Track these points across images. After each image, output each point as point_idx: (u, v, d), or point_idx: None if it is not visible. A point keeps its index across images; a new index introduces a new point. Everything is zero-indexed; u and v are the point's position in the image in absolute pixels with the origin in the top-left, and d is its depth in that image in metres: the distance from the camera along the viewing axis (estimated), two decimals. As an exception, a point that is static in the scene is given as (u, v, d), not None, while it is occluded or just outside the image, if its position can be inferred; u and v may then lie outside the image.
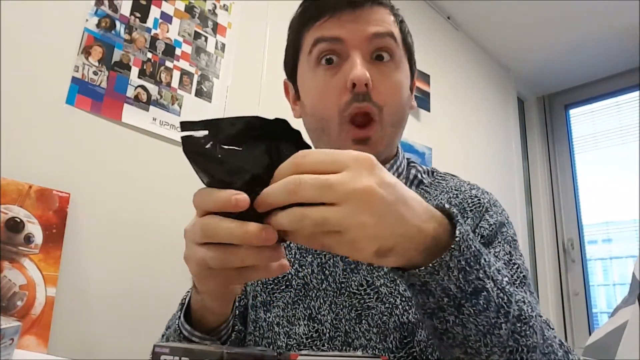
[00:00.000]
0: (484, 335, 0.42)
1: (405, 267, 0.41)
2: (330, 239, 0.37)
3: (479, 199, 0.71)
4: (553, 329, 0.54)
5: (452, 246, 0.40)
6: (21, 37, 1.12)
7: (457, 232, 0.41)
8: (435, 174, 0.78)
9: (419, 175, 0.76)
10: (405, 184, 0.67)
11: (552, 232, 3.16)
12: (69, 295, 1.09)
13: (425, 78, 2.36)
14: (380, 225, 0.37)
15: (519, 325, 0.44)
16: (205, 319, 0.52)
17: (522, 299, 0.46)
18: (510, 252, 0.65)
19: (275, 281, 0.69)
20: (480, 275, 0.42)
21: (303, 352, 0.37)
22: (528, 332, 0.45)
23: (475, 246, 0.42)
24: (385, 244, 0.38)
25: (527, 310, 0.46)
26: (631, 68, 3.01)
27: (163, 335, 0.61)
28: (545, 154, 3.35)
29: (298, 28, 0.71)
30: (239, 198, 0.37)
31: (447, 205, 0.43)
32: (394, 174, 0.71)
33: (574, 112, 3.37)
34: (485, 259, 0.43)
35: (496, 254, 0.64)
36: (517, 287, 0.60)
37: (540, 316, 0.51)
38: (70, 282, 1.09)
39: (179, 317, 0.54)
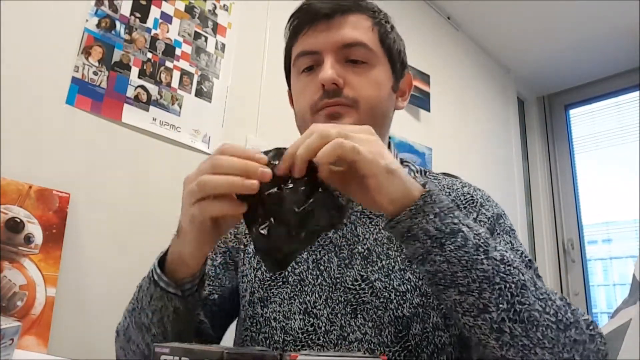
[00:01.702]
0: (469, 271, 0.49)
1: (392, 215, 0.51)
2: (355, 156, 0.48)
3: (472, 196, 0.74)
4: (565, 300, 0.56)
5: (423, 194, 0.50)
6: (21, 37, 1.12)
7: (428, 186, 0.51)
8: (427, 173, 0.81)
9: (412, 174, 0.78)
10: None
11: (552, 232, 3.17)
12: (69, 295, 1.09)
13: (425, 78, 2.36)
14: (385, 154, 0.50)
15: (502, 266, 0.51)
16: (176, 268, 0.58)
17: (503, 249, 0.53)
18: (510, 241, 0.68)
19: (272, 277, 0.70)
20: (455, 221, 0.51)
21: (303, 352, 0.37)
22: (513, 272, 0.51)
23: (447, 202, 0.52)
24: (390, 165, 0.50)
25: (509, 256, 0.52)
26: (631, 68, 3.01)
27: (140, 288, 0.64)
28: (545, 154, 3.35)
29: (288, 41, 0.78)
30: (265, 171, 0.47)
31: (419, 179, 0.53)
32: None
33: (574, 112, 3.37)
34: (459, 213, 0.52)
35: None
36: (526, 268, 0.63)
37: (542, 288, 0.54)
38: (70, 282, 1.09)
39: (155, 263, 0.60)
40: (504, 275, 0.50)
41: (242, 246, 0.77)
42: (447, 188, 0.76)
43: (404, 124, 2.20)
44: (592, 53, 2.93)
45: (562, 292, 3.05)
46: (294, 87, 0.77)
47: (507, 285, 0.50)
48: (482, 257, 0.50)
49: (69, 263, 1.10)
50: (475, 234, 0.51)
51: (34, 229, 1.04)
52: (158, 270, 0.59)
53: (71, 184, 1.14)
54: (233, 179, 0.48)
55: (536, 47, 2.91)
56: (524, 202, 3.03)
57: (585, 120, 3.30)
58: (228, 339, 0.80)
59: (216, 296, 0.74)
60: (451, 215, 0.51)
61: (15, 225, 1.02)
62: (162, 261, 0.61)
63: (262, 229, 0.47)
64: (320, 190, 0.48)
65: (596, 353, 0.53)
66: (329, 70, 0.67)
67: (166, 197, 1.32)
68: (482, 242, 0.51)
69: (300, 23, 0.73)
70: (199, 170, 0.52)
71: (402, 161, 0.81)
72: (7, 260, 0.99)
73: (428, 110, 2.34)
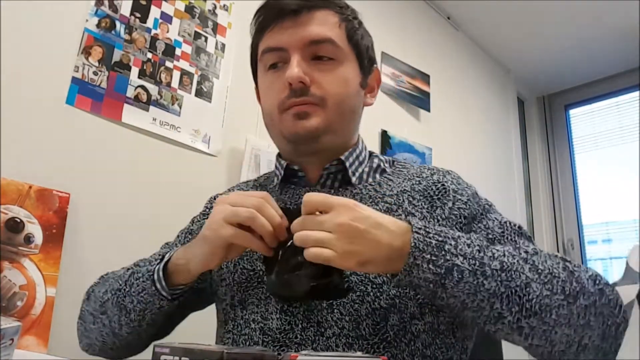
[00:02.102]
0: (474, 295, 0.53)
1: (392, 273, 0.56)
2: (327, 253, 0.53)
3: (443, 184, 0.73)
4: (565, 263, 0.60)
5: (411, 250, 0.53)
6: (21, 37, 1.12)
7: (412, 240, 0.53)
8: (396, 162, 0.82)
9: (382, 165, 0.79)
10: (369, 172, 0.76)
11: (552, 232, 3.16)
12: (69, 295, 1.09)
13: (425, 78, 2.36)
14: (355, 246, 0.53)
15: (503, 274, 0.54)
16: (177, 274, 0.64)
17: (500, 254, 0.56)
18: (495, 217, 0.70)
19: (248, 279, 0.70)
20: (447, 258, 0.53)
21: (303, 352, 0.37)
22: (514, 276, 0.54)
23: (435, 240, 0.54)
24: (362, 259, 0.53)
25: (508, 259, 0.56)
26: (631, 68, 3.01)
27: (128, 269, 0.72)
28: (545, 154, 3.35)
29: (254, 38, 0.78)
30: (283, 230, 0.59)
31: (411, 220, 0.56)
32: (353, 162, 0.75)
33: (574, 112, 3.37)
34: (450, 244, 0.54)
35: (486, 226, 0.68)
36: (517, 241, 0.67)
37: (547, 259, 0.59)
38: (70, 282, 1.09)
39: (159, 263, 0.65)
40: (508, 283, 0.54)
41: None
42: (417, 177, 0.75)
43: (404, 124, 2.20)
44: (592, 53, 2.93)
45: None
46: (261, 84, 0.77)
47: (513, 291, 0.54)
48: (481, 279, 0.53)
49: (69, 263, 1.10)
50: (469, 259, 0.54)
51: (34, 229, 1.04)
52: (160, 273, 0.64)
53: (71, 184, 1.14)
54: (271, 230, 0.58)
55: (536, 47, 2.91)
56: (524, 202, 3.03)
57: (585, 120, 3.30)
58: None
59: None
60: (442, 253, 0.54)
61: (15, 225, 1.02)
62: (165, 263, 0.66)
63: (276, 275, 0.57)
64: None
65: (608, 304, 0.57)
66: (295, 68, 0.67)
67: (166, 197, 1.32)
68: (477, 265, 0.54)
69: (266, 18, 0.73)
70: (245, 197, 0.59)
71: (371, 153, 0.81)
72: (7, 260, 0.99)
73: (428, 110, 2.34)
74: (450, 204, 0.70)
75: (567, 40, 2.82)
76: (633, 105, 3.04)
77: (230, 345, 0.69)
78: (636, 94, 3.01)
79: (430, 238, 0.54)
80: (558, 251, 3.14)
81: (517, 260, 0.56)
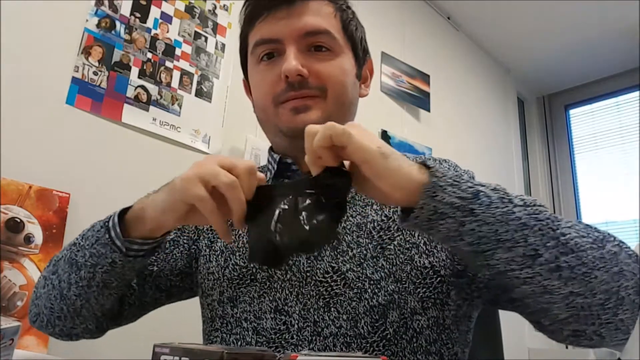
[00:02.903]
0: (506, 223, 0.48)
1: (407, 207, 0.50)
2: (347, 139, 0.47)
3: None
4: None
5: (431, 170, 0.48)
6: (21, 37, 1.12)
7: (430, 164, 0.50)
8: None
9: None
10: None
11: (552, 232, 3.16)
12: (69, 295, 1.09)
13: (425, 78, 2.36)
14: (375, 139, 0.49)
15: (529, 208, 0.50)
16: (132, 227, 0.58)
17: (517, 194, 0.52)
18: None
19: (240, 275, 0.68)
20: (470, 185, 0.49)
21: (303, 352, 0.37)
22: (541, 209, 0.50)
23: (452, 172, 0.51)
24: (383, 147, 0.48)
25: (527, 198, 0.52)
26: (631, 68, 3.01)
27: (91, 227, 0.62)
28: (545, 154, 3.35)
29: (243, 28, 0.74)
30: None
31: (418, 159, 0.50)
32: None
33: (574, 112, 3.37)
34: (466, 177, 0.51)
35: None
36: None
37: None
38: (70, 282, 1.09)
39: (117, 211, 0.59)
40: (536, 215, 0.49)
41: (206, 242, 0.74)
42: None
43: (404, 124, 2.21)
44: (592, 53, 2.93)
45: (562, 292, 3.06)
46: (252, 76, 0.73)
47: (545, 223, 0.49)
48: (511, 206, 0.49)
49: (69, 263, 1.10)
50: (491, 189, 0.50)
51: (34, 229, 1.04)
52: (116, 219, 0.58)
53: (71, 184, 1.14)
54: (244, 208, 0.50)
55: (536, 47, 2.91)
56: (524, 202, 3.03)
57: (585, 120, 3.30)
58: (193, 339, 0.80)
59: (156, 268, 0.72)
60: (462, 180, 0.49)
61: (15, 225, 1.02)
62: (123, 213, 0.59)
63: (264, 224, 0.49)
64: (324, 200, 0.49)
65: (630, 257, 0.53)
66: (292, 61, 0.64)
67: (166, 197, 1.32)
68: (502, 194, 0.50)
69: (257, 8, 0.69)
70: (232, 164, 0.51)
71: None
72: (7, 260, 0.99)
73: (428, 110, 2.34)
74: None
75: (567, 40, 2.82)
76: (633, 105, 3.04)
77: (219, 344, 0.67)
78: (636, 94, 3.01)
79: (445, 170, 0.50)
80: (558, 251, 3.14)
81: (537, 203, 0.52)
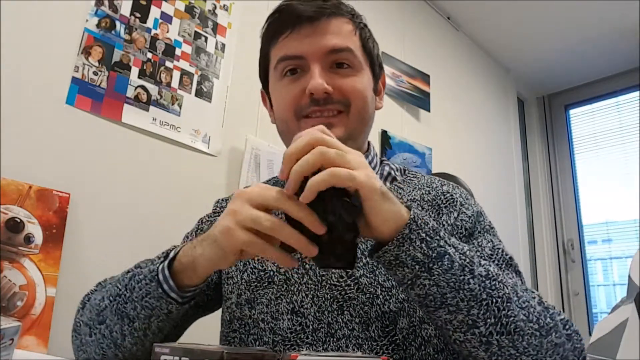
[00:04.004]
0: (457, 291, 0.51)
1: (379, 241, 0.52)
2: (350, 182, 0.47)
3: (452, 195, 0.74)
4: (542, 301, 0.59)
5: (408, 221, 0.50)
6: (21, 37, 1.12)
7: (412, 212, 0.51)
8: (407, 171, 0.82)
9: (392, 173, 0.79)
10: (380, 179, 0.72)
11: (552, 232, 3.17)
12: (69, 295, 1.09)
13: (425, 78, 2.36)
14: (377, 178, 0.50)
15: (487, 282, 0.52)
16: (184, 274, 0.57)
17: (487, 264, 0.55)
18: (491, 240, 0.70)
19: (258, 278, 0.70)
20: (441, 244, 0.51)
21: (303, 352, 0.37)
22: (498, 286, 0.53)
23: (432, 223, 0.52)
24: (382, 187, 0.50)
25: (493, 270, 0.54)
26: (631, 68, 3.01)
27: (128, 272, 0.63)
28: (545, 154, 3.35)
29: (265, 43, 0.76)
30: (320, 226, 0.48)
31: (405, 201, 0.52)
32: None
33: (574, 112, 3.37)
34: (443, 234, 0.53)
35: (480, 244, 0.68)
36: (503, 270, 0.65)
37: (525, 290, 0.58)
38: (70, 282, 1.09)
39: (162, 262, 0.58)
40: (490, 291, 0.52)
41: None
42: (427, 187, 0.76)
43: (404, 124, 2.20)
44: (592, 53, 2.93)
45: (562, 292, 3.05)
46: (275, 90, 0.75)
47: (494, 300, 0.52)
48: (469, 276, 0.51)
49: (69, 263, 1.10)
50: (460, 253, 0.52)
51: (34, 229, 1.04)
52: (167, 272, 0.57)
53: (71, 184, 1.14)
54: (301, 239, 0.48)
55: (536, 47, 2.91)
56: (524, 202, 3.03)
57: (585, 120, 3.30)
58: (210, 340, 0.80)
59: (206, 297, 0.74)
60: (437, 237, 0.51)
61: (15, 225, 1.02)
62: (169, 263, 0.59)
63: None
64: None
65: (574, 351, 0.56)
66: (319, 79, 0.67)
67: (166, 197, 1.32)
68: (467, 262, 0.52)
69: (281, 25, 0.71)
70: (264, 198, 0.50)
71: (381, 160, 0.82)
72: (7, 260, 0.99)
73: (428, 110, 2.34)
74: (455, 214, 0.71)
75: (567, 40, 2.82)
76: (633, 105, 3.04)
77: (238, 344, 0.69)
78: (636, 94, 3.01)
79: (428, 222, 0.52)
80: (558, 251, 3.14)
81: (502, 276, 0.55)
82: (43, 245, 1.05)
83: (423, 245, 0.50)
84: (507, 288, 0.54)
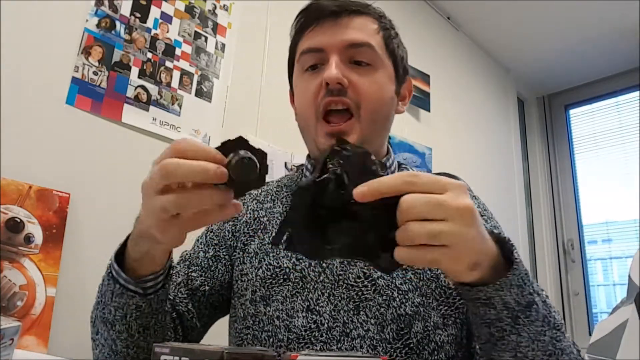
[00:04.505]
0: (532, 342, 0.49)
1: (473, 283, 0.47)
2: (438, 252, 0.42)
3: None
4: (578, 347, 0.59)
5: (514, 266, 0.48)
6: (21, 37, 1.12)
7: (515, 254, 0.49)
8: None
9: None
10: None
11: (552, 232, 3.17)
12: (69, 295, 1.09)
13: (425, 78, 2.36)
14: (479, 239, 0.44)
15: (555, 332, 0.51)
16: (138, 266, 0.55)
17: (554, 311, 0.53)
18: None
19: (273, 275, 0.70)
20: (531, 291, 0.49)
21: (303, 352, 0.37)
22: (561, 337, 0.52)
23: (524, 266, 0.50)
24: (479, 258, 0.45)
25: (558, 318, 0.53)
26: (631, 68, 3.01)
27: (102, 281, 0.60)
28: (545, 154, 3.35)
29: (293, 39, 0.78)
30: (219, 172, 0.43)
31: (495, 230, 0.50)
32: (384, 173, 0.74)
33: (574, 112, 3.37)
34: (532, 280, 0.51)
35: None
36: None
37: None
38: (70, 282, 1.09)
39: (112, 257, 0.57)
40: (556, 342, 0.51)
41: (240, 244, 0.76)
42: None
43: (404, 124, 2.20)
44: (592, 53, 2.93)
45: (562, 292, 3.05)
46: (297, 85, 0.76)
47: (556, 352, 0.51)
48: (546, 328, 0.50)
49: (69, 263, 1.10)
50: (542, 302, 0.51)
51: (34, 229, 1.04)
52: (116, 266, 0.56)
53: (71, 184, 1.14)
54: (206, 164, 0.43)
55: (536, 47, 2.91)
56: (524, 202, 3.03)
57: (585, 120, 3.30)
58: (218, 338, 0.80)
59: (207, 288, 0.74)
60: (528, 282, 0.49)
61: (15, 225, 1.02)
62: (120, 254, 0.57)
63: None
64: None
65: None
66: (334, 69, 0.67)
67: (166, 197, 1.32)
68: (547, 312, 0.51)
69: (307, 20, 0.73)
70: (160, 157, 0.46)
71: (399, 164, 0.81)
72: (7, 260, 0.99)
73: (428, 110, 2.34)
74: None
75: (567, 40, 2.82)
76: (633, 105, 3.04)
77: (251, 341, 0.69)
78: (636, 94, 3.01)
79: (521, 265, 0.49)
80: (558, 251, 3.14)
81: (563, 325, 0.54)
82: (43, 245, 1.05)
83: (518, 291, 0.48)
84: (565, 338, 0.53)
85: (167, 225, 0.47)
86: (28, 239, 1.03)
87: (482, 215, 0.73)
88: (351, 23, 0.71)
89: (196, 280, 0.73)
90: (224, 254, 0.77)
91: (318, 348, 0.64)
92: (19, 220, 1.02)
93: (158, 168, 0.45)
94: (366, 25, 0.73)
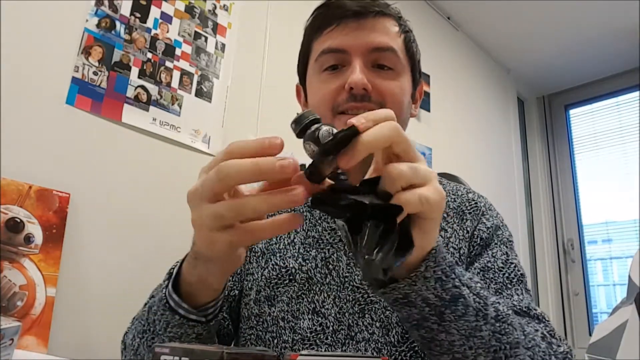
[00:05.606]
0: (467, 339, 0.46)
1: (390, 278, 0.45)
2: (422, 206, 0.41)
3: (476, 203, 0.74)
4: (548, 320, 0.59)
5: (427, 258, 0.44)
6: (21, 37, 1.12)
7: (437, 249, 0.45)
8: None
9: None
10: None
11: (552, 232, 3.17)
12: (69, 295, 1.09)
13: (425, 78, 2.36)
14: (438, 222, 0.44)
15: (498, 325, 0.48)
16: (197, 292, 0.50)
17: (496, 301, 0.51)
18: (507, 252, 0.69)
19: (279, 275, 0.69)
20: (457, 284, 0.46)
21: (303, 352, 0.37)
22: (508, 330, 0.49)
23: (449, 258, 0.47)
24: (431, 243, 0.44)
25: (503, 310, 0.50)
26: (631, 68, 3.01)
27: (145, 304, 0.58)
28: (545, 154, 3.36)
29: (308, 36, 0.75)
30: (284, 164, 0.38)
31: (499, 230, 0.49)
32: None
33: (574, 112, 3.37)
34: (458, 269, 0.48)
35: (494, 255, 0.68)
36: (514, 285, 0.65)
37: (535, 309, 0.57)
38: (70, 282, 1.09)
39: (167, 285, 0.52)
40: (500, 336, 0.48)
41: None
42: (452, 194, 0.76)
43: (404, 124, 2.21)
44: (592, 53, 2.93)
45: (562, 292, 3.05)
46: (312, 83, 0.74)
47: (502, 347, 0.48)
48: (482, 322, 0.47)
49: (69, 263, 1.10)
50: (474, 294, 0.47)
51: (34, 229, 1.04)
52: (175, 297, 0.51)
53: (71, 184, 1.14)
54: (272, 159, 0.39)
55: (536, 47, 2.91)
56: (524, 202, 3.03)
57: (585, 120, 3.30)
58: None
59: (237, 292, 0.73)
60: (453, 275, 0.46)
61: (15, 225, 1.02)
62: (175, 282, 0.52)
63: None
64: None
65: None
66: (359, 74, 0.66)
67: (166, 197, 1.32)
68: (481, 305, 0.47)
69: (327, 18, 0.70)
70: (206, 180, 0.42)
71: None
72: (7, 260, 0.99)
73: (428, 110, 2.34)
74: (476, 223, 0.72)
75: (567, 40, 2.82)
76: (633, 105, 3.04)
77: (254, 341, 0.69)
78: (636, 94, 3.01)
79: (445, 253, 0.47)
80: (558, 251, 3.14)
81: (511, 316, 0.51)
82: (43, 245, 1.05)
83: (437, 285, 0.44)
84: (517, 330, 0.50)
85: (215, 237, 0.41)
86: (28, 239, 1.03)
87: (484, 214, 0.73)
88: (375, 25, 0.69)
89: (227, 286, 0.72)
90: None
91: (323, 350, 0.64)
92: (19, 220, 1.02)
93: (214, 171, 0.40)
94: (389, 28, 0.71)
